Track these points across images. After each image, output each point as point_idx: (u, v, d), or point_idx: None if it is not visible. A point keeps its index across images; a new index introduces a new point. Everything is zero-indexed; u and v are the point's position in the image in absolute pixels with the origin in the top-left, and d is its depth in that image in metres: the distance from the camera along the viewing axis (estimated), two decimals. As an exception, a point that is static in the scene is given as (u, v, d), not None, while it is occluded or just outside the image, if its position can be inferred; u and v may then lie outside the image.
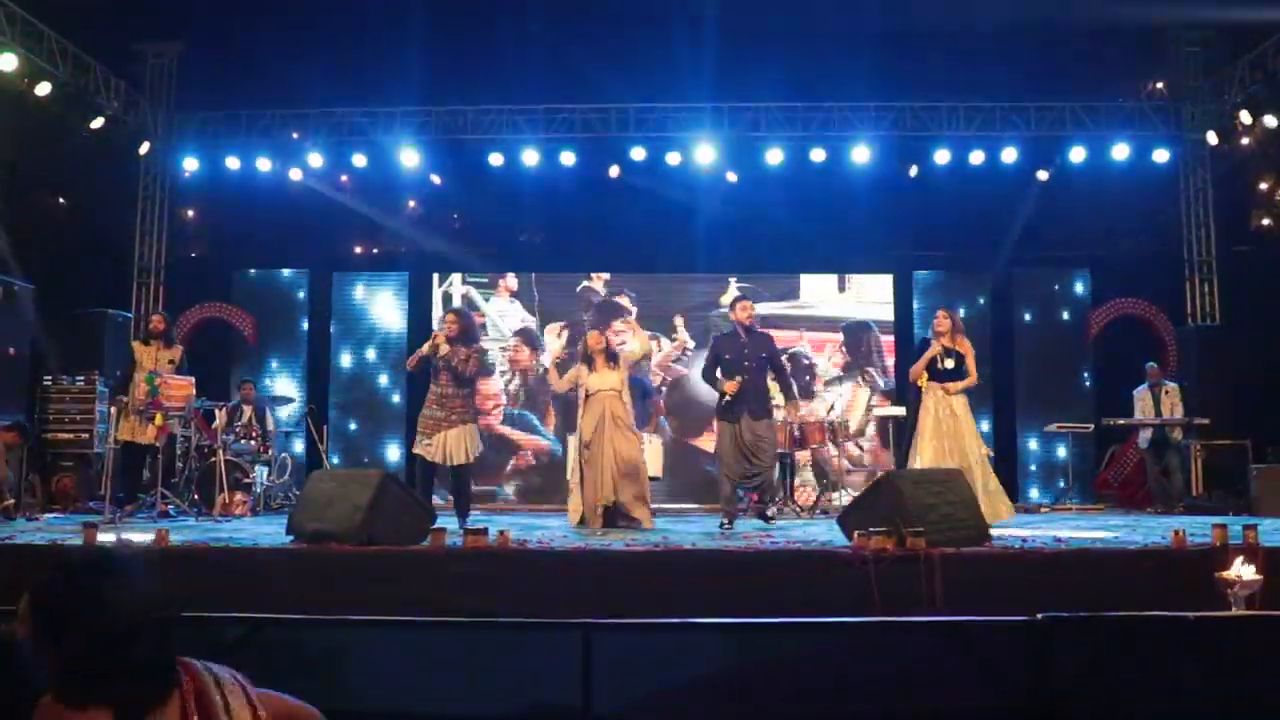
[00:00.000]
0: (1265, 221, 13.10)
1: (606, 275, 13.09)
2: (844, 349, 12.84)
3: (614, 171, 12.33)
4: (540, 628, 3.05)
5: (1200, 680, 2.93)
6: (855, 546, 5.85)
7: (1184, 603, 4.03)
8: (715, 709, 3.20)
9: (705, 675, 3.26)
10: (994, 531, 6.76)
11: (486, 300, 13.06)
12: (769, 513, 8.45)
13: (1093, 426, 11.69)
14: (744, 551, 6.27)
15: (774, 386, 8.57)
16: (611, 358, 8.42)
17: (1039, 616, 2.94)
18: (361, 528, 6.04)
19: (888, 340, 12.89)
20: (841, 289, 13.05)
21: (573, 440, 9.03)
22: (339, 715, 3.16)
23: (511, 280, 13.09)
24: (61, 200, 12.84)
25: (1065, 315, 12.76)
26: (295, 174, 12.51)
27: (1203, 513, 9.52)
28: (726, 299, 12.86)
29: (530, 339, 12.97)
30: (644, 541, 6.77)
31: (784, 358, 9.29)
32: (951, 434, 7.94)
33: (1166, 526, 7.25)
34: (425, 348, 7.98)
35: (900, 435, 12.32)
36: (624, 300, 13.02)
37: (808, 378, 12.67)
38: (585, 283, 13.08)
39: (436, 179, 12.68)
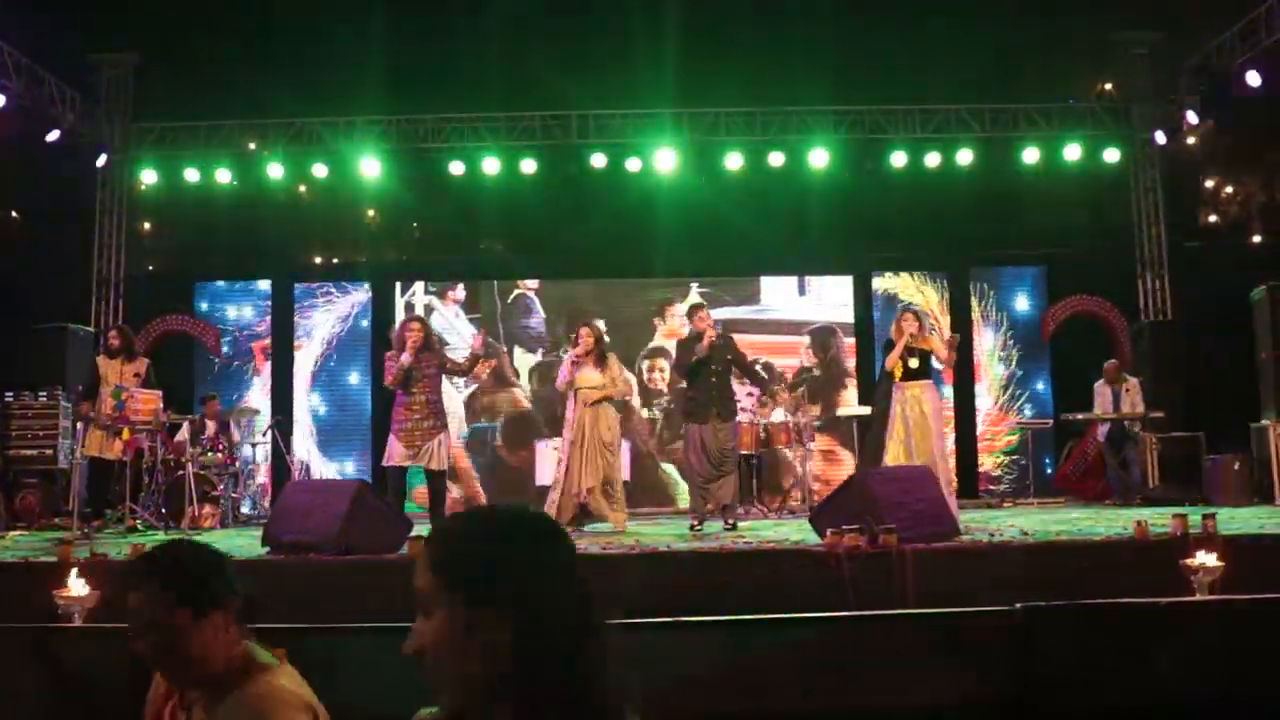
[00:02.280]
0: (1213, 219, 13.41)
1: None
2: (809, 351, 12.97)
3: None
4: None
5: (1172, 661, 3.06)
6: (828, 544, 5.96)
7: (1150, 590, 4.16)
8: (703, 705, 3.28)
9: (692, 672, 3.33)
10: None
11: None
12: (732, 521, 8.41)
13: (1051, 422, 11.93)
14: (717, 551, 6.37)
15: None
16: (601, 358, 8.44)
17: (1018, 606, 3.05)
18: (339, 537, 6.07)
19: (849, 342, 13.03)
20: (802, 292, 13.18)
21: (555, 445, 9.11)
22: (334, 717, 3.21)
23: (460, 290, 13.05)
24: (15, 214, 12.70)
25: (1022, 313, 12.99)
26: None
27: (1159, 504, 9.72)
28: (686, 306, 12.98)
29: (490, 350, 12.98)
30: (619, 544, 6.84)
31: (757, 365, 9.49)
32: (919, 433, 8.10)
33: (1127, 518, 7.43)
34: (407, 356, 7.85)
35: (865, 435, 12.51)
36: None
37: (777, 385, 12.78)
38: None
39: (398, 188, 12.69)
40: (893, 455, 8.14)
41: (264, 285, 12.98)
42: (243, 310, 12.96)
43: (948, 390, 12.07)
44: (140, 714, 2.44)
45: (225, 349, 12.74)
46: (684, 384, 8.61)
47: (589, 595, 1.36)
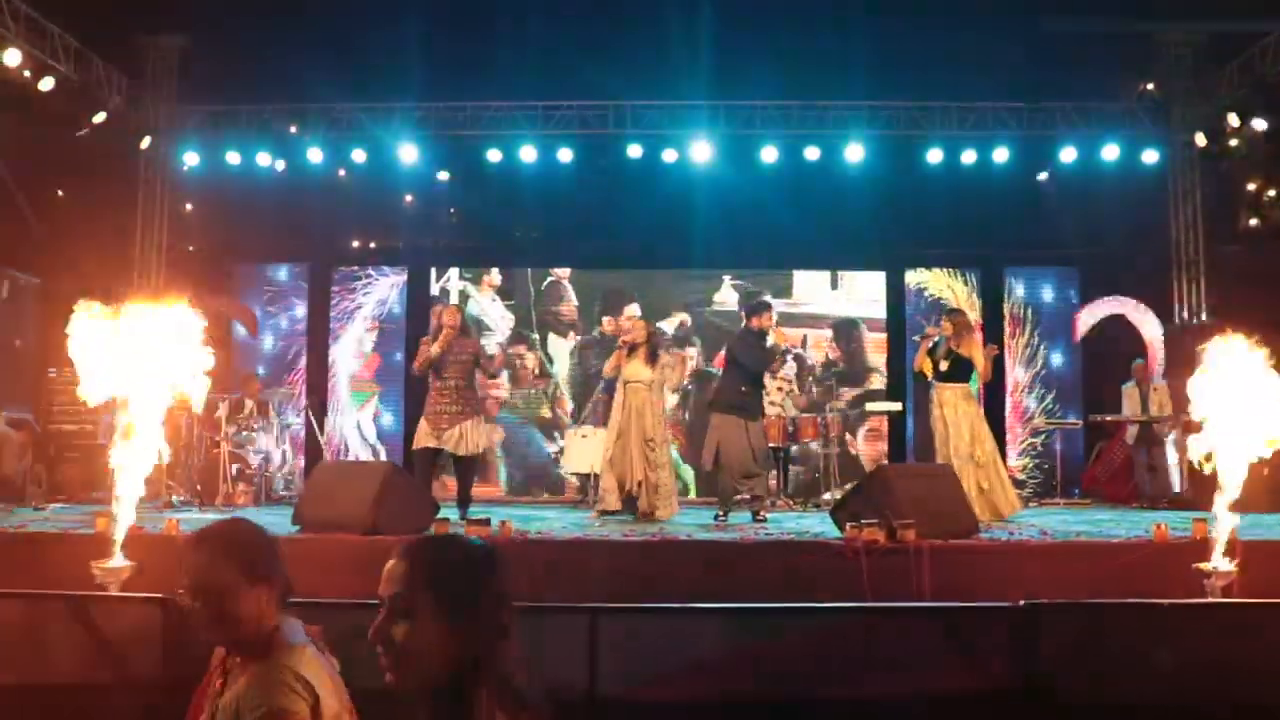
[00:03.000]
0: (1253, 222, 13.25)
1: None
2: (833, 344, 13.01)
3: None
4: (549, 611, 3.21)
5: (1173, 661, 3.10)
6: (847, 538, 6.02)
7: (1165, 593, 4.20)
8: (714, 689, 3.36)
9: (704, 658, 3.42)
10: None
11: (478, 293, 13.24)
12: (762, 513, 8.50)
13: (1081, 423, 11.90)
14: (739, 542, 6.44)
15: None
16: (652, 353, 8.56)
17: (1023, 603, 3.10)
18: (367, 518, 6.20)
19: (880, 338, 13.05)
20: (834, 286, 13.20)
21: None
22: (359, 692, 3.33)
23: (495, 276, 13.17)
24: (61, 193, 12.92)
25: (1054, 313, 12.94)
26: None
27: (1186, 508, 9.69)
28: (720, 295, 13.02)
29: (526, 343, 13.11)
30: (641, 532, 6.94)
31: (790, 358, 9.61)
32: (956, 433, 8.16)
33: (1150, 521, 7.43)
34: (436, 348, 8.02)
35: (894, 430, 12.55)
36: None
37: (810, 378, 12.84)
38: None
39: (444, 175, 12.81)
40: (940, 453, 8.23)
41: (303, 268, 13.20)
42: (281, 293, 13.16)
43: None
44: (173, 677, 2.63)
45: (265, 332, 12.97)
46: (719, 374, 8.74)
47: (511, 609, 1.79)
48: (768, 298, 11.10)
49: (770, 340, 8.48)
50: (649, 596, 4.59)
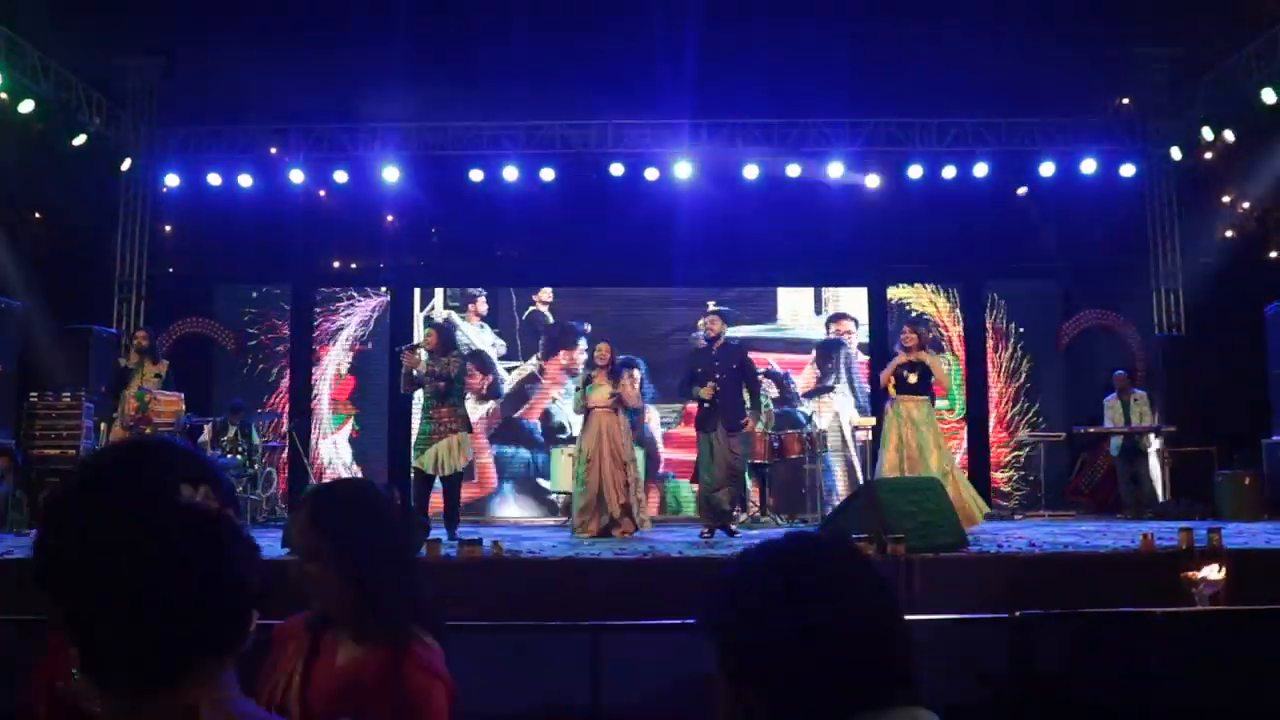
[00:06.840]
0: (1229, 234, 13.39)
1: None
2: (815, 365, 13.00)
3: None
4: (552, 630, 3.22)
5: (1167, 669, 3.14)
6: (837, 553, 6.03)
7: (1153, 601, 4.24)
8: (716, 704, 3.36)
9: (698, 672, 3.42)
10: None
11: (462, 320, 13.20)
12: (732, 527, 8.54)
13: (1064, 435, 11.97)
14: (729, 559, 6.45)
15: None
16: (613, 373, 8.64)
17: (1019, 614, 3.13)
18: (357, 539, 6.16)
19: (862, 358, 13.07)
20: (818, 311, 13.20)
21: (571, 451, 9.29)
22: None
23: (482, 304, 13.15)
24: (38, 215, 12.85)
25: (1036, 326, 13.03)
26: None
27: (1170, 518, 9.75)
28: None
29: (483, 363, 13.06)
30: (633, 551, 6.94)
31: (761, 375, 9.66)
32: (914, 446, 8.16)
33: (1136, 531, 7.47)
34: (406, 362, 8.17)
35: (874, 447, 12.57)
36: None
37: (786, 394, 12.85)
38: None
39: (419, 194, 12.77)
40: (885, 465, 8.20)
41: (285, 289, 13.16)
42: (263, 314, 13.11)
43: (960, 401, 12.22)
44: None
45: (247, 354, 12.91)
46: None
47: (409, 541, 2.17)
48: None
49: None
50: (643, 614, 4.59)
